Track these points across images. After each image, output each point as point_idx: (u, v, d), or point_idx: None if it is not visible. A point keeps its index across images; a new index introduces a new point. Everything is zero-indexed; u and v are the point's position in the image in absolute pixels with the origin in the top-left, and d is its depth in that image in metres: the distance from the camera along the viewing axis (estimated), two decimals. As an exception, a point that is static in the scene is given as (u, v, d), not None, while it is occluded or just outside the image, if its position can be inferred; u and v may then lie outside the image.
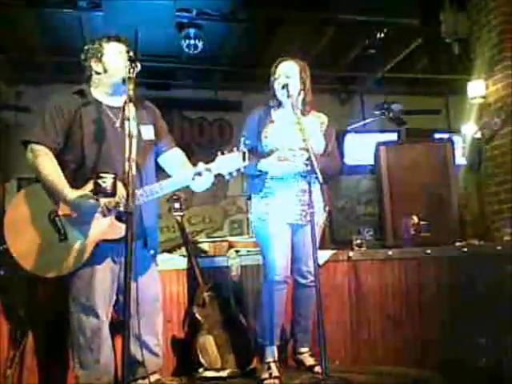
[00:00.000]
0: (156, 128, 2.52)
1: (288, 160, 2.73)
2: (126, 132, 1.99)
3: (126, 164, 1.95)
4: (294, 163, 2.72)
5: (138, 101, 2.44)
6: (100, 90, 2.44)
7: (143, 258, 2.43)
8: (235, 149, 2.27)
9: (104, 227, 2.25)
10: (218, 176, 2.31)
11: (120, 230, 2.12)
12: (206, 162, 2.30)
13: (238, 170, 2.27)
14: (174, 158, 2.59)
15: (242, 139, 2.32)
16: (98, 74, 2.42)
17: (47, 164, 2.28)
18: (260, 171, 2.75)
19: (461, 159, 4.99)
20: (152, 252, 2.51)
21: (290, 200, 2.77)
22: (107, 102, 2.42)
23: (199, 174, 2.28)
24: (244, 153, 2.25)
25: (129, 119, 2.02)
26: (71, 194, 2.23)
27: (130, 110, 2.02)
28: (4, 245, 2.33)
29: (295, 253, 2.83)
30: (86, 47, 2.46)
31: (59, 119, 2.33)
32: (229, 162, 2.26)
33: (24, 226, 2.29)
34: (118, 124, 2.35)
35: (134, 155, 2.28)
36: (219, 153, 2.28)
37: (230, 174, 2.27)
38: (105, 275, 2.31)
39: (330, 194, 2.88)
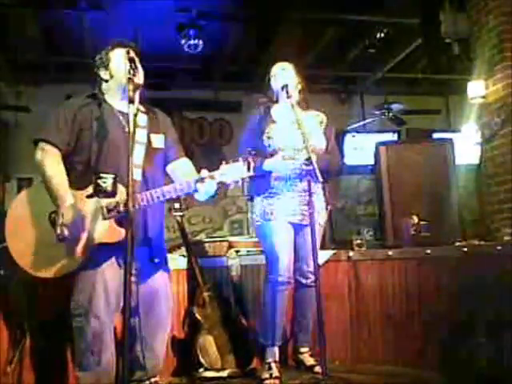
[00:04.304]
0: (166, 137, 2.54)
1: (293, 159, 2.74)
2: (133, 136, 2.02)
3: (134, 169, 1.97)
4: (299, 162, 2.73)
5: (150, 110, 2.52)
6: (111, 96, 2.46)
7: (148, 263, 2.42)
8: (240, 158, 2.26)
9: (103, 230, 2.24)
10: (220, 183, 2.31)
11: (119, 233, 2.13)
12: (210, 170, 2.30)
13: (242, 180, 2.27)
14: (181, 168, 2.58)
15: (248, 149, 2.31)
16: (106, 81, 2.46)
17: (54, 166, 2.29)
18: (264, 171, 2.75)
19: (461, 159, 4.99)
20: (157, 260, 2.49)
21: (294, 200, 2.77)
22: (119, 107, 2.43)
23: (202, 180, 2.27)
24: (249, 163, 2.24)
25: (140, 127, 2.03)
26: (70, 204, 2.21)
27: (141, 117, 2.03)
28: (4, 243, 2.34)
29: (297, 253, 2.84)
30: (96, 58, 2.50)
31: (72, 121, 2.35)
32: (232, 171, 2.25)
33: (24, 226, 2.30)
34: (127, 129, 2.36)
35: (140, 161, 2.32)
36: (223, 161, 2.27)
37: (236, 182, 2.27)
38: (108, 278, 2.29)
39: (331, 193, 2.89)
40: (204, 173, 2.29)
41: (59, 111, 2.40)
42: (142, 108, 2.44)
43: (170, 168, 2.58)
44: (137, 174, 2.29)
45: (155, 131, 2.48)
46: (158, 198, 2.27)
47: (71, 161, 2.35)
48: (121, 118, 2.40)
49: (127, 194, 1.93)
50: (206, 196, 2.34)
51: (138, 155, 2.33)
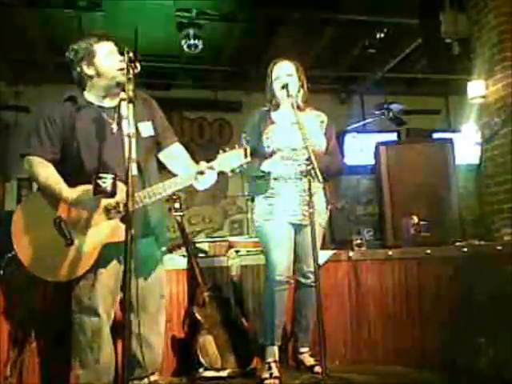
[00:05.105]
0: (155, 122, 2.47)
1: (291, 159, 2.74)
2: (124, 132, 2.00)
3: (131, 166, 1.96)
4: (298, 162, 2.73)
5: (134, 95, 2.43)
6: (93, 93, 2.39)
7: (149, 256, 2.43)
8: (236, 146, 2.26)
9: (109, 230, 2.24)
10: (221, 173, 2.30)
11: (122, 232, 2.12)
12: (208, 160, 2.29)
13: (241, 167, 2.27)
14: (175, 154, 2.53)
15: (244, 135, 2.32)
16: (90, 77, 2.36)
17: (43, 170, 2.30)
18: (263, 172, 2.75)
19: (461, 159, 4.99)
20: (163, 249, 2.49)
21: (294, 200, 2.77)
22: (101, 103, 2.38)
23: (202, 172, 2.28)
24: (246, 149, 2.25)
25: (124, 118, 2.02)
26: (71, 192, 2.24)
27: (128, 109, 2.00)
28: (12, 251, 2.36)
29: (298, 253, 2.84)
30: (74, 47, 2.38)
31: (53, 130, 2.31)
32: (231, 159, 2.26)
33: (31, 233, 2.30)
34: (114, 125, 2.33)
35: (133, 156, 2.29)
36: (221, 150, 2.27)
37: (233, 170, 2.27)
38: (109, 276, 2.30)
39: (332, 193, 2.89)
40: (203, 165, 2.29)
41: (39, 123, 2.33)
42: (123, 95, 2.27)
43: (163, 155, 2.53)
44: (133, 169, 2.27)
45: (142, 119, 2.38)
46: (160, 193, 2.26)
47: (63, 170, 2.32)
48: (104, 115, 2.34)
49: (127, 194, 1.92)
50: (207, 186, 2.34)
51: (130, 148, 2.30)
